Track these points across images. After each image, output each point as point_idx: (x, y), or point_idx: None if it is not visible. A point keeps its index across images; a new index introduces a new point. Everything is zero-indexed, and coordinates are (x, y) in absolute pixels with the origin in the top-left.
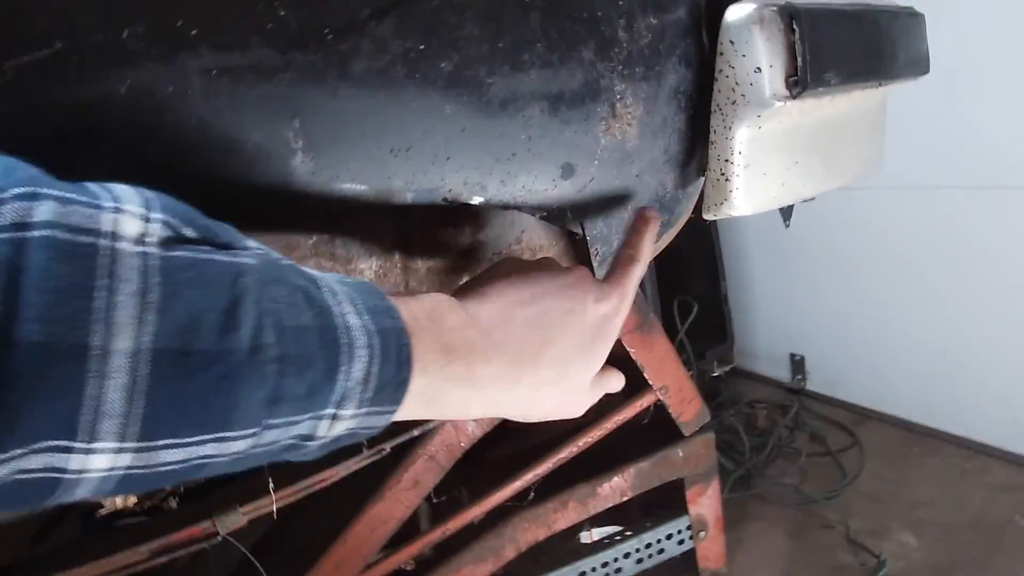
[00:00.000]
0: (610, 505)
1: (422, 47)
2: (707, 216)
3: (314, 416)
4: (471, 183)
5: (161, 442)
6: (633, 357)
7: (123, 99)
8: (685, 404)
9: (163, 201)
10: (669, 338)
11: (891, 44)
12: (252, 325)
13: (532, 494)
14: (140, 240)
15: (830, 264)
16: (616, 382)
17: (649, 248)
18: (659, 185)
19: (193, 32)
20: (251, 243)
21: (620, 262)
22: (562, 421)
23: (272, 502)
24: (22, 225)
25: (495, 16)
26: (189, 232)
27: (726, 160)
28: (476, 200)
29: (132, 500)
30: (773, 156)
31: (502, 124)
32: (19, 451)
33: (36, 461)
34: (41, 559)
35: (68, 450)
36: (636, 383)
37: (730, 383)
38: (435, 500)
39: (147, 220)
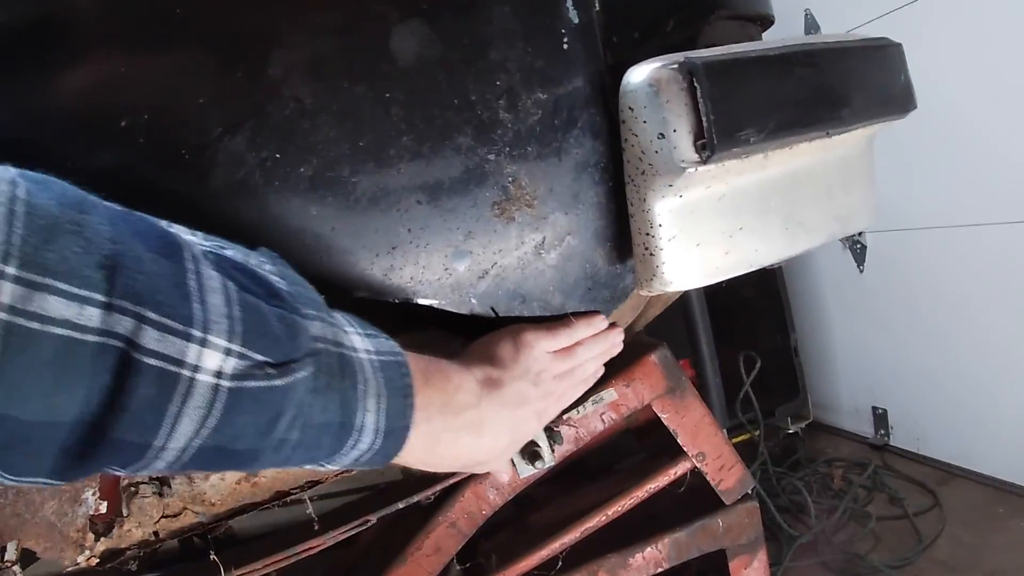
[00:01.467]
0: None
1: (278, 155)
2: (642, 292)
3: (313, 465)
4: (351, 278)
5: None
6: (665, 423)
7: None
8: (725, 471)
9: (246, 321)
10: (733, 394)
11: (839, 87)
12: (284, 429)
13: (560, 563)
14: (217, 373)
15: (911, 311)
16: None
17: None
18: (586, 262)
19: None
20: (315, 331)
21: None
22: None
23: (264, 567)
24: (131, 343)
25: (352, 116)
26: (258, 356)
27: (646, 234)
28: (360, 294)
29: (94, 561)
30: (706, 225)
31: (375, 220)
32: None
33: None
34: None
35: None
36: (670, 449)
37: (809, 439)
38: (459, 567)
39: (227, 353)
